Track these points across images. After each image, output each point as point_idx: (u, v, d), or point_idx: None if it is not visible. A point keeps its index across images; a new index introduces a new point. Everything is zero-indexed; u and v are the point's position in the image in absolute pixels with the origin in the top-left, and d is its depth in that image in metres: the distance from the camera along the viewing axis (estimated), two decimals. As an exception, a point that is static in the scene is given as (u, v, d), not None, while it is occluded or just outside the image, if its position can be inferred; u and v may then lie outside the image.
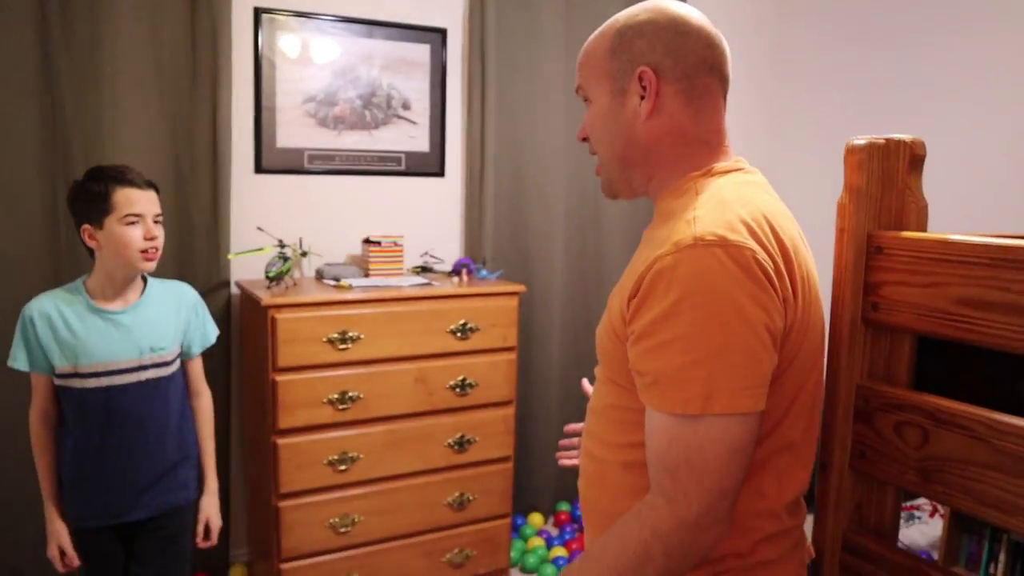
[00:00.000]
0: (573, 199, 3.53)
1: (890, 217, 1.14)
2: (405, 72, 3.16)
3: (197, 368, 2.20)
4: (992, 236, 1.04)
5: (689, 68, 1.09)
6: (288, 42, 2.95)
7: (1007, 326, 0.98)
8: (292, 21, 2.95)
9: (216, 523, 2.17)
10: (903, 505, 3.19)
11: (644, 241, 1.11)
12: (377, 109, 3.12)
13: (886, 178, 1.14)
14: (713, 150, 1.11)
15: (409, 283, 2.89)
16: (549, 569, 3.16)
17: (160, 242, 1.95)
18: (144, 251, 1.91)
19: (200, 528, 2.15)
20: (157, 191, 1.98)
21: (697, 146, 1.11)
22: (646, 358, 0.96)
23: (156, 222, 1.94)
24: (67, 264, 2.67)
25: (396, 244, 3.05)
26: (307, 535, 2.69)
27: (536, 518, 3.59)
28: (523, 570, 3.24)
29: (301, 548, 2.69)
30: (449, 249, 3.36)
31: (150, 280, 2.07)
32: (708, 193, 1.04)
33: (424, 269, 3.19)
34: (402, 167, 3.21)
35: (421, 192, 3.29)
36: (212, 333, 2.20)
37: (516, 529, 3.48)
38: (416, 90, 3.18)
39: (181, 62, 2.78)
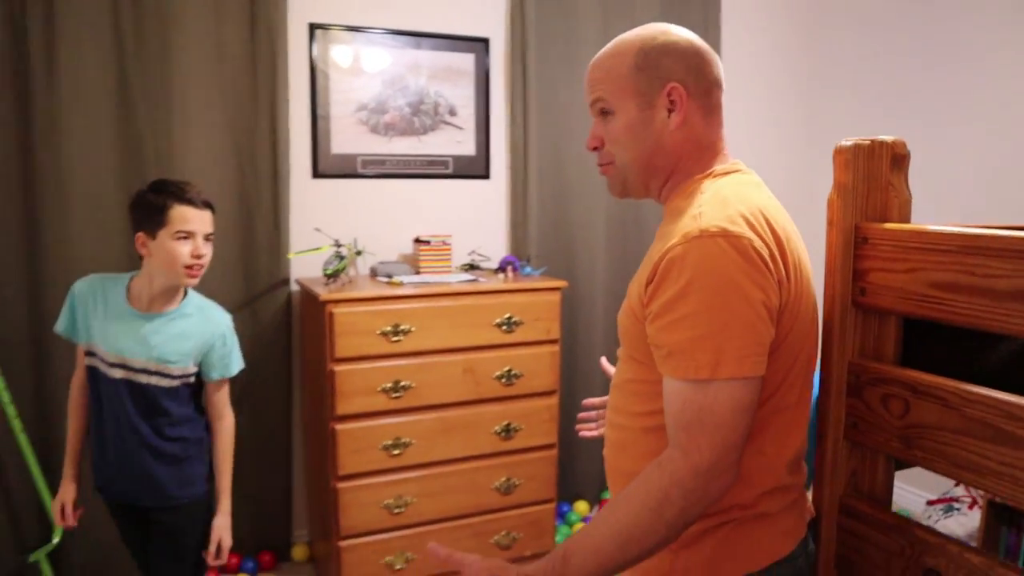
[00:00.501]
0: (613, 198, 3.66)
1: (875, 210, 1.26)
2: (451, 80, 3.33)
3: (218, 393, 2.21)
4: (962, 225, 1.16)
5: (707, 85, 1.24)
6: (341, 54, 3.15)
7: (972, 306, 1.10)
8: (344, 35, 3.15)
9: (227, 543, 2.18)
10: (941, 498, 3.25)
11: (657, 237, 1.25)
12: (425, 116, 3.30)
13: (870, 176, 1.26)
14: (716, 155, 1.26)
15: (457, 279, 3.06)
16: None
17: (206, 260, 2.03)
18: (189, 267, 2.00)
19: (212, 548, 2.16)
20: (213, 211, 2.06)
21: (708, 153, 1.26)
22: (663, 333, 1.11)
23: (207, 240, 2.03)
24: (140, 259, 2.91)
25: (445, 243, 3.23)
26: (363, 515, 2.87)
27: (581, 505, 3.74)
28: None
29: (358, 527, 2.88)
30: (495, 247, 3.53)
31: (190, 294, 2.14)
32: (711, 192, 1.18)
33: (471, 267, 3.35)
34: (449, 170, 3.39)
35: (468, 194, 3.46)
36: (235, 366, 2.22)
37: (562, 516, 3.62)
38: (462, 97, 3.36)
39: (242, 76, 3.00)
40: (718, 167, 1.24)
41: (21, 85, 2.73)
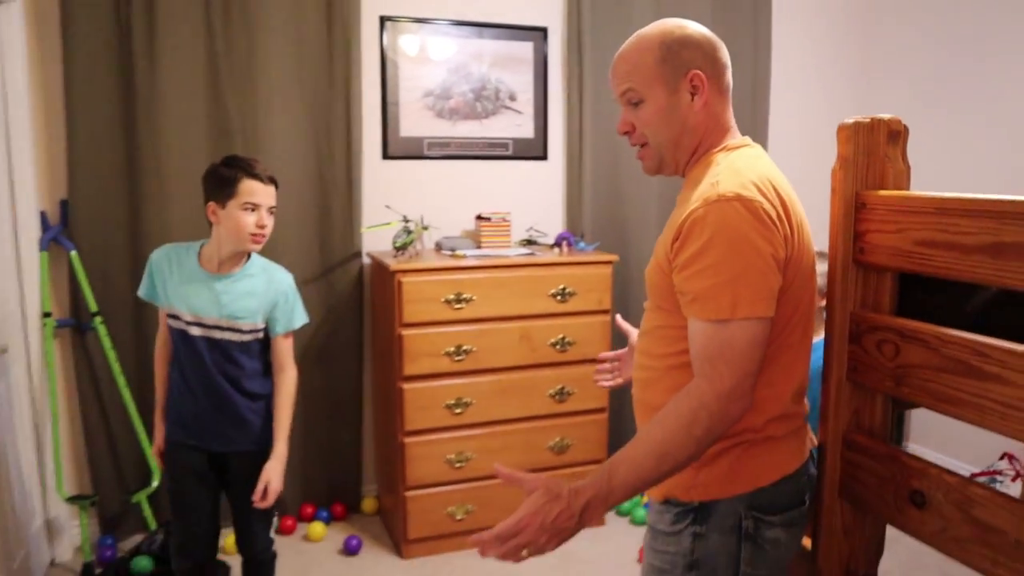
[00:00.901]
0: (666, 176, 3.84)
1: (872, 180, 1.44)
2: (511, 67, 3.55)
3: (283, 346, 2.35)
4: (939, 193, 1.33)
5: (719, 69, 1.45)
6: (409, 44, 3.40)
7: (947, 259, 1.28)
8: (412, 26, 3.40)
9: (275, 487, 2.27)
10: (985, 471, 3.36)
11: (678, 202, 1.46)
12: (487, 101, 3.53)
13: (869, 149, 1.44)
14: (728, 131, 1.47)
15: (515, 253, 3.29)
16: (640, 512, 3.51)
17: (269, 229, 2.21)
18: (253, 235, 2.19)
19: (260, 488, 2.25)
20: (276, 187, 2.24)
21: (720, 130, 1.46)
22: (688, 282, 1.32)
23: (270, 212, 2.21)
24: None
25: (504, 220, 3.46)
26: (427, 468, 3.14)
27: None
28: (617, 512, 3.60)
29: (422, 479, 3.14)
30: (551, 224, 3.75)
31: (254, 258, 2.31)
32: (725, 163, 1.39)
33: (529, 242, 3.58)
34: (509, 152, 3.61)
35: (526, 174, 3.69)
36: (298, 320, 2.36)
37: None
38: (521, 83, 3.58)
39: (320, 66, 3.27)
40: (731, 142, 1.45)
41: (126, 79, 3.05)
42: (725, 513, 1.40)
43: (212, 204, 2.20)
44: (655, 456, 1.29)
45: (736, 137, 1.48)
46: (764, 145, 4.02)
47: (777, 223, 1.30)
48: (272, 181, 2.23)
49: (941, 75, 3.82)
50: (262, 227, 2.20)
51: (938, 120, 3.82)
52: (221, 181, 2.17)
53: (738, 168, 1.36)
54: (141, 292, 2.34)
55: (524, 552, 1.26)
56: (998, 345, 1.22)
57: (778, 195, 1.34)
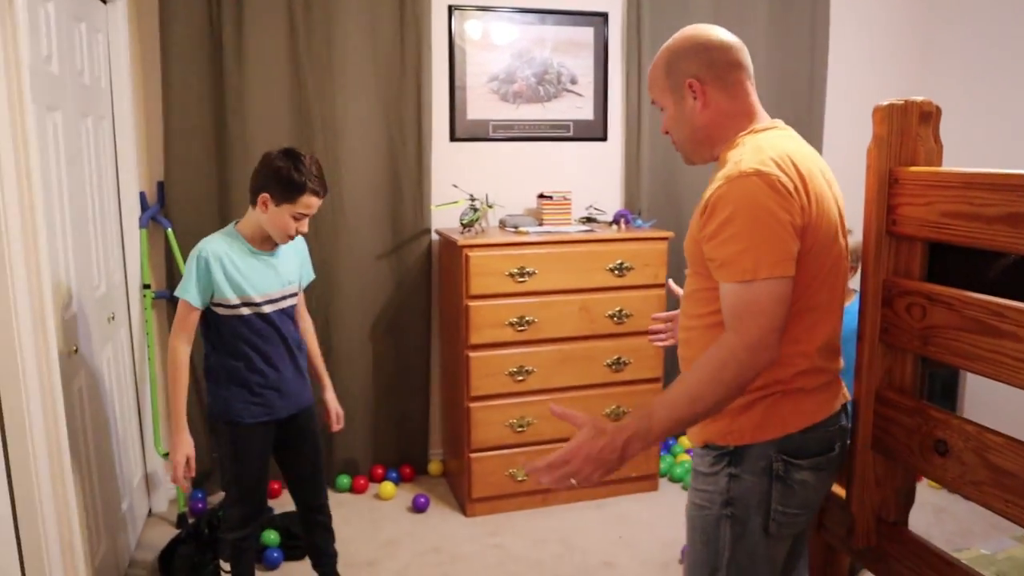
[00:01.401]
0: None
1: (905, 157, 1.58)
2: (572, 52, 3.71)
3: (303, 297, 2.60)
4: (970, 169, 1.46)
5: (720, 70, 1.61)
6: (475, 31, 3.58)
7: (971, 229, 1.42)
8: (477, 13, 3.58)
9: (341, 411, 2.67)
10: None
11: (710, 182, 1.63)
12: (549, 84, 3.70)
13: (902, 129, 1.58)
14: (751, 118, 1.63)
15: (575, 230, 3.46)
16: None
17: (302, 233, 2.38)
18: (289, 236, 2.34)
19: (333, 416, 2.59)
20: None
21: (739, 118, 1.63)
22: (716, 250, 1.49)
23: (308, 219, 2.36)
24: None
25: (565, 198, 3.63)
26: (490, 432, 3.34)
27: (685, 440, 4.10)
28: (671, 479, 3.77)
29: (486, 442, 3.35)
30: (610, 202, 3.90)
31: None
32: (750, 145, 1.55)
33: (588, 219, 3.74)
34: (570, 133, 3.78)
35: (586, 154, 3.85)
36: (311, 273, 2.62)
37: (667, 447, 4.00)
38: (582, 67, 3.73)
39: (392, 53, 3.47)
40: (757, 125, 1.61)
41: (216, 71, 3.30)
42: (757, 456, 1.57)
43: (266, 196, 2.28)
44: (689, 398, 1.46)
45: (763, 120, 1.64)
46: (820, 128, 4.10)
47: (794, 194, 1.46)
48: (325, 194, 2.36)
49: (993, 60, 3.85)
50: (300, 232, 2.35)
51: (991, 102, 3.86)
52: (287, 185, 2.26)
53: (760, 146, 1.52)
54: (189, 296, 2.28)
55: (572, 480, 1.45)
56: (1013, 306, 1.36)
57: (796, 169, 1.49)
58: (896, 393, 1.65)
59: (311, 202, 2.30)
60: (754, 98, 1.65)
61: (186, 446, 2.37)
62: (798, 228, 1.46)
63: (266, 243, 2.39)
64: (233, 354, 2.37)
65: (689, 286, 1.68)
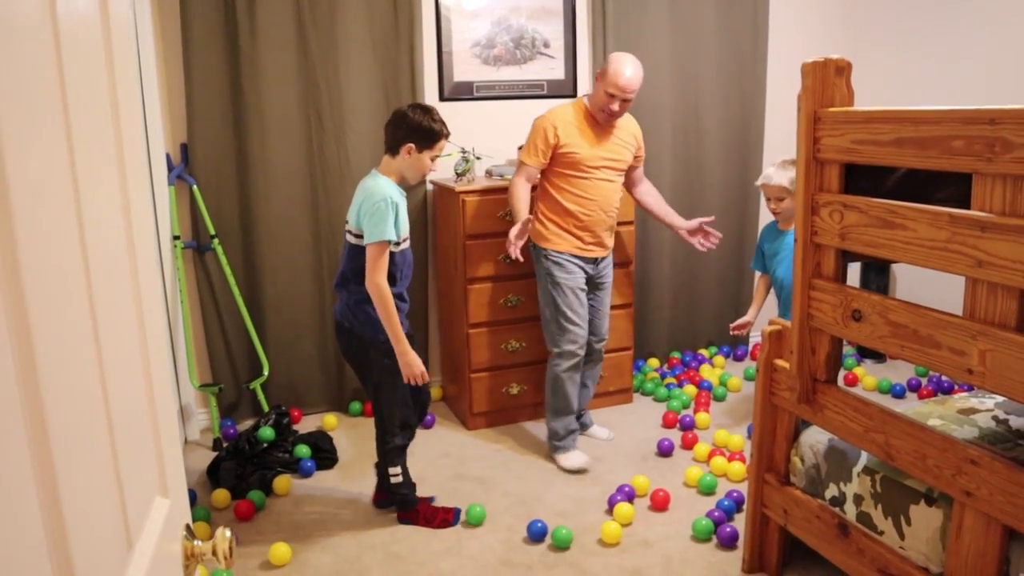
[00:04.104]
0: (678, 116, 4.48)
1: (825, 101, 2.10)
2: (544, 19, 4.17)
3: None
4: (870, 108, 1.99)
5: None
6: (460, 2, 4.01)
7: (872, 151, 1.95)
8: (462, -14, 4.01)
9: None
10: None
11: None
12: (525, 48, 4.16)
13: (823, 80, 2.09)
14: None
15: (553, 177, 3.94)
16: (662, 391, 4.23)
17: None
18: (425, 175, 2.85)
19: None
20: None
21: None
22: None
23: None
24: (318, 170, 3.88)
25: (542, 150, 4.10)
26: (487, 354, 3.85)
27: (653, 361, 4.67)
28: (643, 393, 4.33)
29: (483, 363, 3.85)
30: (581, 153, 4.38)
31: None
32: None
33: (563, 168, 4.22)
34: (544, 91, 4.25)
35: (559, 110, 4.31)
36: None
37: (638, 367, 4.55)
38: (553, 32, 4.19)
39: (387, 24, 3.89)
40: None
41: (232, 42, 3.68)
42: None
43: (410, 146, 2.69)
44: None
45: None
46: (763, 83, 4.62)
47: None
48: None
49: (913, 23, 4.42)
50: (431, 171, 2.82)
51: (906, 57, 4.44)
52: (428, 134, 2.69)
53: None
54: (389, 235, 2.64)
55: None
56: (904, 205, 1.90)
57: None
58: (823, 280, 2.19)
59: (444, 144, 2.75)
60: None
61: (417, 362, 2.77)
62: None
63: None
64: (392, 281, 2.71)
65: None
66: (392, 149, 2.75)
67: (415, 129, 2.70)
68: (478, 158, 3.93)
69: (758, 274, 3.83)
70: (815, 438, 2.47)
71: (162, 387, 1.05)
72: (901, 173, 2.00)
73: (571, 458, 3.53)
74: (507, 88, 4.18)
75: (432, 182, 4.04)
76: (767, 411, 2.55)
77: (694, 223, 3.70)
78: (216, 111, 3.72)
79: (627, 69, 3.26)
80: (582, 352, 3.53)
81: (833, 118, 2.06)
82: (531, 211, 3.42)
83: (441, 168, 4.05)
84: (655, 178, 4.41)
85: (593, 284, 3.59)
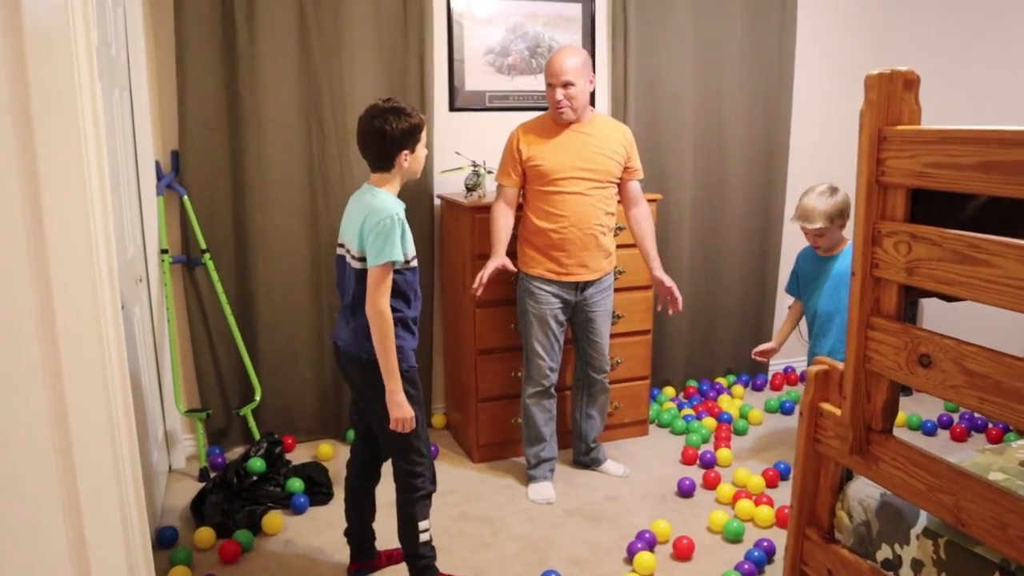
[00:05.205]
0: (700, 124, 4.24)
1: (892, 118, 1.86)
2: (562, 27, 3.94)
3: None
4: (946, 127, 1.75)
5: None
6: (472, 6, 3.78)
7: (949, 176, 1.70)
8: (475, -10, 3.78)
9: None
10: None
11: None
12: (541, 57, 3.92)
13: (889, 94, 1.85)
14: None
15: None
16: (679, 424, 3.97)
17: None
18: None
19: None
20: None
21: None
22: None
23: None
24: (318, 180, 3.63)
25: (557, 165, 3.86)
26: (495, 382, 3.60)
27: (669, 390, 4.41)
28: (659, 424, 4.07)
29: (491, 392, 3.60)
30: (598, 169, 4.15)
31: None
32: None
33: (578, 185, 3.98)
34: (560, 103, 4.01)
35: (575, 123, 4.08)
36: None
37: (653, 398, 4.30)
38: (572, 40, 3.96)
39: (395, 29, 3.66)
40: None
41: (228, 44, 3.44)
42: None
43: (406, 153, 2.42)
44: None
45: None
46: (789, 103, 4.39)
47: None
48: None
49: (949, 31, 4.19)
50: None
51: (945, 71, 4.21)
52: (413, 130, 2.42)
53: None
54: (397, 255, 2.35)
55: None
56: (987, 238, 1.65)
57: None
58: (884, 318, 1.94)
59: (424, 128, 2.49)
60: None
61: (407, 406, 2.44)
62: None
63: None
64: (406, 302, 2.48)
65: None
66: (384, 167, 2.46)
67: (402, 136, 2.41)
68: (489, 172, 3.69)
69: (791, 299, 3.57)
70: (865, 492, 2.21)
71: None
72: (982, 201, 1.76)
73: (537, 490, 3.36)
74: (521, 99, 3.94)
75: (440, 196, 3.80)
76: (810, 459, 2.29)
77: (664, 280, 3.36)
78: (210, 117, 3.49)
79: (558, 56, 3.12)
80: (547, 384, 3.36)
81: (902, 137, 1.82)
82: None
83: (451, 183, 3.82)
84: (674, 195, 4.19)
85: (581, 313, 3.35)
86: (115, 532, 1.57)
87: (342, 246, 2.53)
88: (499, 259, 3.19)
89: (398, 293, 2.43)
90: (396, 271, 2.40)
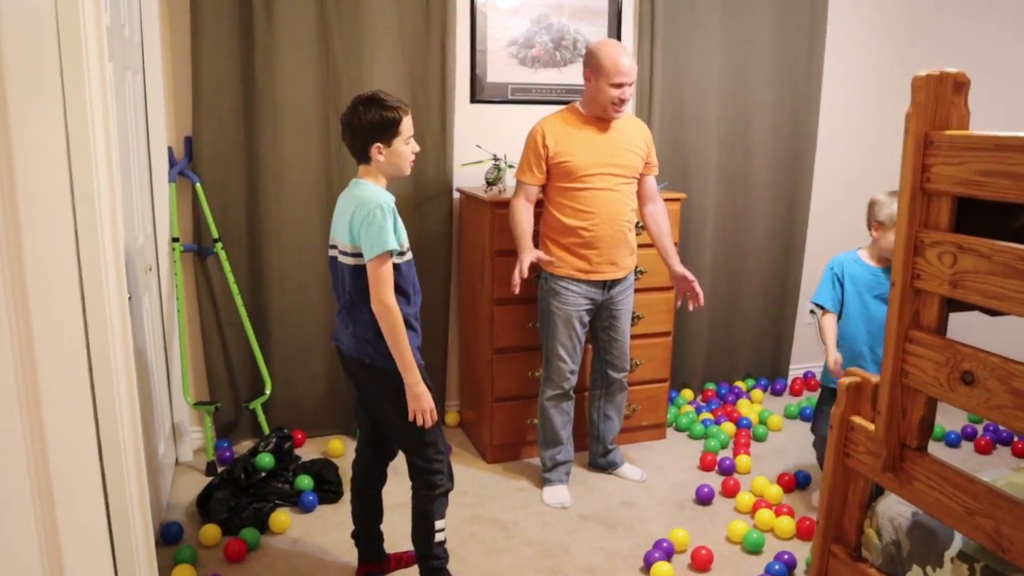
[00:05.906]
0: (725, 124, 4.14)
1: (940, 122, 1.76)
2: (588, 19, 3.84)
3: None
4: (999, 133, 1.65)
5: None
6: (496, -3, 3.70)
7: (1002, 185, 1.61)
8: (499, -21, 3.69)
9: None
10: None
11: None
12: (565, 50, 3.83)
13: (937, 97, 1.75)
14: None
15: (591, 190, 3.62)
16: (698, 428, 3.89)
17: None
18: (411, 162, 2.43)
19: None
20: None
21: None
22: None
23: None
24: (335, 172, 3.56)
25: (578, 160, 3.77)
26: (511, 382, 3.52)
27: (687, 393, 4.32)
28: (676, 428, 3.99)
29: (507, 392, 3.52)
30: (620, 165, 4.06)
31: None
32: None
33: (600, 181, 3.89)
34: (583, 97, 3.92)
35: (598, 118, 3.99)
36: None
37: (671, 400, 4.21)
38: (596, 34, 3.86)
39: (417, 17, 3.57)
40: None
41: (245, 29, 3.36)
42: None
43: (379, 145, 2.34)
44: None
45: None
46: (817, 105, 4.28)
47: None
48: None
49: (986, 31, 4.06)
50: (416, 152, 2.44)
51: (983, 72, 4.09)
52: (386, 123, 2.33)
53: None
54: (393, 244, 2.29)
55: None
56: (1040, 252, 1.55)
57: None
58: (924, 332, 1.85)
59: (408, 122, 2.39)
60: None
61: (427, 397, 2.38)
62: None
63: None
64: (406, 299, 2.40)
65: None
66: (362, 158, 2.40)
67: (371, 128, 2.33)
68: (510, 166, 3.60)
69: (819, 313, 3.16)
70: (895, 510, 2.12)
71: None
72: (1036, 212, 1.66)
73: (552, 493, 3.30)
74: (544, 92, 3.85)
75: (460, 190, 3.72)
76: (839, 474, 2.20)
77: (686, 275, 3.25)
78: (225, 104, 3.41)
79: (621, 54, 3.03)
80: (567, 386, 3.29)
81: (951, 143, 1.72)
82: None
83: (471, 176, 3.74)
84: (698, 195, 4.10)
85: (606, 312, 3.28)
86: (97, 527, 1.50)
87: (334, 247, 2.45)
88: (533, 252, 3.08)
89: (395, 289, 2.35)
90: (397, 262, 2.35)
